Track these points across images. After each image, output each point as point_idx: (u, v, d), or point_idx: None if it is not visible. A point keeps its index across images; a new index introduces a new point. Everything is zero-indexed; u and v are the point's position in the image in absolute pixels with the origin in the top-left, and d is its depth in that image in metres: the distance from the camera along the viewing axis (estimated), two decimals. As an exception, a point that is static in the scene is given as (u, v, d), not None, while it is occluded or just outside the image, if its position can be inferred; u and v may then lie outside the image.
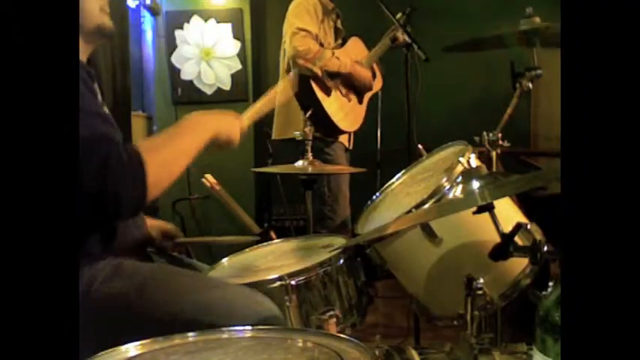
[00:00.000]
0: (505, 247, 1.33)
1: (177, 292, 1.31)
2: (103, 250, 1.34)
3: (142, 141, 1.27)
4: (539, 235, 1.45)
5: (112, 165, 1.19)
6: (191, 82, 4.36)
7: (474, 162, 1.54)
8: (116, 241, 1.37)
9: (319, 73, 2.98)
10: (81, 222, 1.22)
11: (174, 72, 4.36)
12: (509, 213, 1.52)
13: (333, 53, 3.05)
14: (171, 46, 4.36)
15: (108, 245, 1.35)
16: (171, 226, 1.75)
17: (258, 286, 1.46)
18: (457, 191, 1.48)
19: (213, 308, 1.28)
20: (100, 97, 1.39)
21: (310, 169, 2.17)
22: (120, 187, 1.21)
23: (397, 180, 1.82)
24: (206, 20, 4.36)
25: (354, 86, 3.18)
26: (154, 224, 1.65)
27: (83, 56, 1.39)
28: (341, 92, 3.11)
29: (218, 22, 4.36)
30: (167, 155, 1.31)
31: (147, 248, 1.57)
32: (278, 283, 1.44)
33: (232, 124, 1.47)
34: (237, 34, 4.37)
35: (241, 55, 4.38)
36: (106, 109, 1.39)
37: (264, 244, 1.86)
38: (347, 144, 3.24)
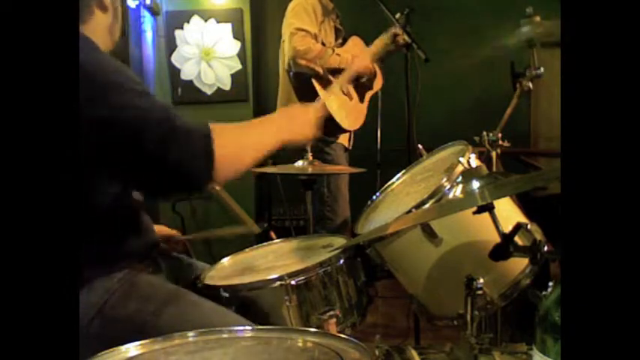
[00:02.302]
0: (505, 247, 1.33)
1: (192, 322, 1.29)
2: (118, 253, 1.34)
3: (220, 125, 1.32)
4: (539, 235, 1.44)
5: (177, 133, 1.21)
6: (191, 82, 4.36)
7: (474, 162, 1.54)
8: (128, 244, 1.37)
9: (320, 71, 2.98)
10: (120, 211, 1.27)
11: (174, 72, 4.36)
12: (509, 213, 1.52)
13: (334, 50, 3.05)
14: (172, 46, 4.36)
15: (123, 248, 1.35)
16: (168, 229, 1.76)
17: (258, 286, 1.46)
18: (457, 191, 1.48)
19: None
20: None
21: (310, 170, 2.17)
22: (184, 157, 1.22)
23: (397, 180, 1.82)
24: (206, 20, 4.35)
25: (355, 84, 3.18)
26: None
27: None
28: (342, 91, 3.11)
29: (218, 22, 4.36)
30: (244, 141, 1.33)
31: (155, 252, 1.57)
32: (278, 283, 1.44)
33: (308, 126, 1.50)
34: (237, 34, 4.37)
35: (241, 55, 4.38)
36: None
37: (264, 244, 1.86)
38: (347, 144, 3.24)
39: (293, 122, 1.48)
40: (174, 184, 1.29)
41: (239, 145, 1.32)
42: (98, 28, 1.36)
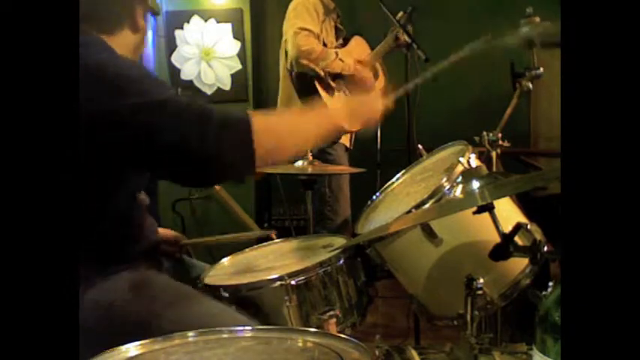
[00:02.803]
0: (505, 247, 1.33)
1: (198, 323, 1.30)
2: (121, 253, 1.35)
3: (260, 113, 1.32)
4: (539, 235, 1.44)
5: (216, 127, 1.20)
6: (191, 82, 4.36)
7: (474, 162, 1.54)
8: (133, 244, 1.37)
9: (322, 73, 2.98)
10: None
11: (175, 72, 4.35)
12: (509, 213, 1.52)
13: (337, 54, 3.05)
14: (172, 46, 4.36)
15: (126, 249, 1.36)
16: (173, 232, 1.75)
17: (258, 286, 1.46)
18: (457, 191, 1.48)
19: None
20: None
21: (310, 169, 2.17)
22: (225, 145, 1.21)
23: (397, 180, 1.82)
24: (206, 20, 4.35)
25: (357, 85, 3.18)
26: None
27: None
28: (344, 92, 3.10)
29: (218, 22, 4.35)
30: (282, 130, 1.32)
31: (158, 252, 1.57)
32: (278, 283, 1.44)
33: (367, 110, 1.48)
34: (237, 34, 4.37)
35: (241, 55, 4.38)
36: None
37: (264, 244, 1.86)
38: (348, 144, 3.24)
39: (357, 109, 1.46)
40: (215, 175, 1.29)
41: (278, 135, 1.30)
42: (123, 45, 1.37)
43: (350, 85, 3.14)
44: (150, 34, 4.39)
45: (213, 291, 1.47)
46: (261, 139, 1.22)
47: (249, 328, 0.99)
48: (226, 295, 1.46)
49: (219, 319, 1.30)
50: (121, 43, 1.37)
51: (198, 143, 1.18)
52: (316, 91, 2.99)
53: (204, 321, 1.28)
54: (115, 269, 1.33)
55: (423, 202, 1.47)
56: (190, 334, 0.95)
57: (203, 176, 1.27)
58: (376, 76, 3.27)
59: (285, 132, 1.32)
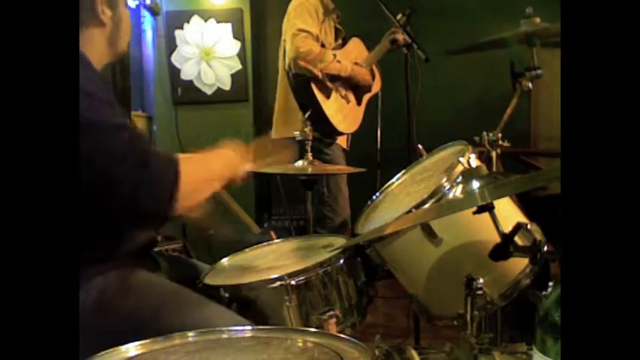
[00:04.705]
0: (505, 247, 1.33)
1: (191, 322, 1.29)
2: (112, 253, 1.34)
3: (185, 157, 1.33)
4: (539, 235, 1.45)
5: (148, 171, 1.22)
6: (191, 82, 4.36)
7: (474, 162, 1.54)
8: (125, 244, 1.36)
9: (319, 75, 2.97)
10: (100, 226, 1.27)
11: (174, 72, 4.35)
12: (509, 213, 1.52)
13: (335, 55, 3.04)
14: (172, 46, 4.35)
15: (117, 249, 1.35)
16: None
17: (258, 286, 1.46)
18: (457, 191, 1.48)
19: None
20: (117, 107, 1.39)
21: (310, 170, 2.17)
22: (156, 192, 1.24)
23: (397, 180, 1.82)
24: (206, 20, 4.35)
25: (353, 87, 3.18)
26: None
27: (99, 66, 1.39)
28: (340, 94, 3.10)
29: (218, 22, 4.36)
30: (198, 177, 1.33)
31: (152, 250, 1.56)
32: (278, 283, 1.44)
33: (235, 168, 1.48)
34: (237, 34, 4.37)
35: (241, 55, 4.38)
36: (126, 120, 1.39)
37: (264, 244, 1.86)
38: (345, 145, 3.24)
39: (223, 170, 1.46)
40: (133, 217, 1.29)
41: (195, 183, 1.31)
42: (93, 43, 1.33)
43: (347, 85, 3.14)
44: (150, 34, 4.40)
45: (213, 291, 1.47)
46: (184, 185, 1.25)
47: (249, 328, 0.99)
48: (226, 295, 1.46)
49: (214, 320, 1.29)
50: (87, 42, 1.31)
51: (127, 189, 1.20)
52: (312, 92, 2.99)
53: (195, 323, 1.27)
54: (105, 268, 1.32)
55: (423, 202, 1.47)
56: (190, 334, 0.95)
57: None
58: (373, 78, 3.27)
59: (203, 177, 1.34)
